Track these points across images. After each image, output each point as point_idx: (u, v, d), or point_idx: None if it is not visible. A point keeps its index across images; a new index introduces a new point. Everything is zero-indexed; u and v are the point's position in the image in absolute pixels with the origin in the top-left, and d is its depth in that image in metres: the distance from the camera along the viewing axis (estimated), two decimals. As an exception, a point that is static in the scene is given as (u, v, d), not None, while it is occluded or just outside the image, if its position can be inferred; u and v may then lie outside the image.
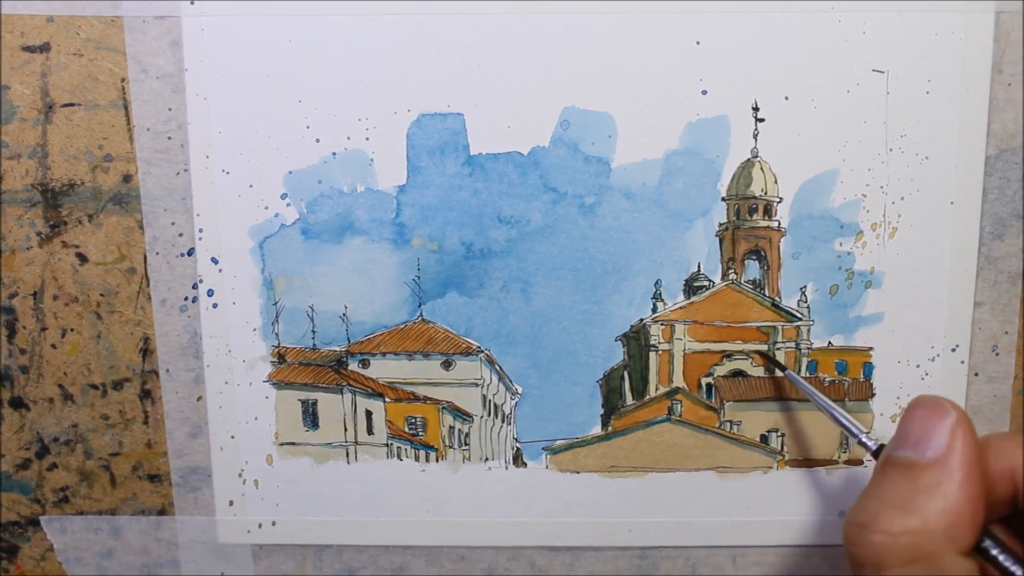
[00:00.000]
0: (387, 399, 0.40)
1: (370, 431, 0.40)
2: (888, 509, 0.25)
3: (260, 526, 0.41)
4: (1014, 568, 0.25)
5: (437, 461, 0.40)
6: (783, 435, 0.39)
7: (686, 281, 0.38)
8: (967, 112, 0.36)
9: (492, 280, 0.38)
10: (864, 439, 0.33)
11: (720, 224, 0.38)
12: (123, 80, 0.37)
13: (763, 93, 0.36)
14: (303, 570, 0.41)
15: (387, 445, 0.40)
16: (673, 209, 0.37)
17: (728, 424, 0.39)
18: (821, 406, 0.35)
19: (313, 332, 0.39)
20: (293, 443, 0.40)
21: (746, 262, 0.38)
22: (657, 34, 0.36)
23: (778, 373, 0.38)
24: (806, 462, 0.39)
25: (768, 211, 0.38)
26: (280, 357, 0.39)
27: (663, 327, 0.39)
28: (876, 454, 0.32)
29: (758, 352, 0.39)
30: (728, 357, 0.39)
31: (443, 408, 0.40)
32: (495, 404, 0.40)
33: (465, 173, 0.37)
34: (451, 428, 0.40)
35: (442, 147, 0.37)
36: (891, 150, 0.36)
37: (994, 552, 0.26)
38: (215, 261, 0.38)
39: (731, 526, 0.40)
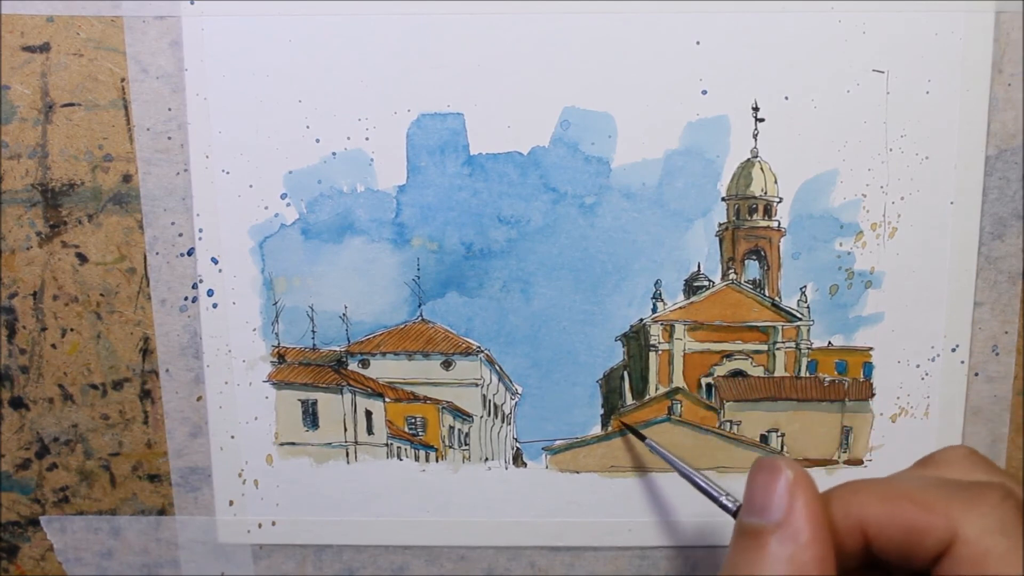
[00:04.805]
0: (387, 399, 0.40)
1: (370, 431, 0.40)
2: None
3: (260, 526, 0.41)
4: None
5: (437, 461, 0.40)
6: (783, 435, 0.39)
7: (686, 281, 0.38)
8: (967, 112, 0.36)
9: (492, 280, 0.38)
10: (724, 500, 0.32)
11: (720, 224, 0.38)
12: (123, 80, 0.37)
13: (763, 93, 0.36)
14: (303, 570, 0.41)
15: (387, 445, 0.40)
16: (673, 209, 0.37)
17: (728, 424, 0.39)
18: (681, 472, 0.35)
19: (313, 332, 0.39)
20: (293, 443, 0.40)
21: (746, 262, 0.38)
22: (657, 34, 0.36)
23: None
24: (806, 462, 0.39)
25: (768, 211, 0.38)
26: (280, 357, 0.39)
27: (663, 327, 0.39)
28: (736, 515, 0.31)
29: (620, 421, 0.39)
30: (728, 357, 0.39)
31: (443, 408, 0.40)
32: (495, 404, 0.40)
33: (465, 173, 0.37)
34: (451, 428, 0.40)
35: (442, 147, 0.37)
36: (891, 150, 0.36)
37: None
38: (215, 261, 0.38)
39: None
